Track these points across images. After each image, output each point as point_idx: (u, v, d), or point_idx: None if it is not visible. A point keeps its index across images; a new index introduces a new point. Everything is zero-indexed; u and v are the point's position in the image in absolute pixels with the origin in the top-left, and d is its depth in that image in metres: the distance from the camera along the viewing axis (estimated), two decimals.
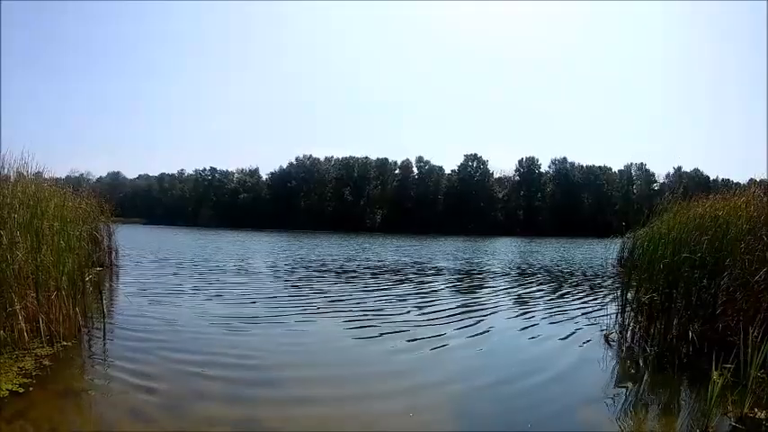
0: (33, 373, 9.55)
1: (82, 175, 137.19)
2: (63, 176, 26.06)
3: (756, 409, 8.01)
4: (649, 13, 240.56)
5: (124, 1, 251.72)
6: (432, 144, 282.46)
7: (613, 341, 13.73)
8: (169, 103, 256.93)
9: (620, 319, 14.30)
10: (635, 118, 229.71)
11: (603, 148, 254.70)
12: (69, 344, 11.64)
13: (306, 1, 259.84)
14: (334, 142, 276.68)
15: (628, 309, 14.21)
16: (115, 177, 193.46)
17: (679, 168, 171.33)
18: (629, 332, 13.78)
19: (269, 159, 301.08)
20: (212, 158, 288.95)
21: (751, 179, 16.75)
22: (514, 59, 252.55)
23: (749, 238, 11.57)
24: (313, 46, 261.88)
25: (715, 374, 7.66)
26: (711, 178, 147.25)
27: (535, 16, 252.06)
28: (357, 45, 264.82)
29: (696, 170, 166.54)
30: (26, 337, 10.89)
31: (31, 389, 8.83)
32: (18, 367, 9.75)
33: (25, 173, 15.10)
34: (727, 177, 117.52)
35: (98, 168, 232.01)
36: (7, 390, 8.66)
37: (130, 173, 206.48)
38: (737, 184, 23.16)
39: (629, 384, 10.67)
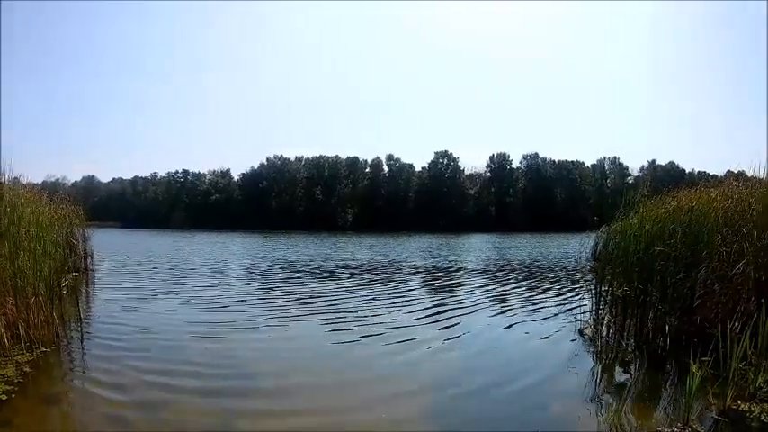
0: (15, 380, 9.48)
1: (57, 180, 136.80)
2: (39, 182, 25.81)
3: (740, 402, 7.99)
4: (620, 10, 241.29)
5: (93, 2, 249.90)
6: (402, 143, 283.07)
7: (589, 335, 13.71)
8: (142, 104, 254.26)
9: (594, 314, 14.45)
10: (610, 114, 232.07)
11: (577, 144, 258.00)
12: (48, 350, 11.52)
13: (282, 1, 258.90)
14: (305, 142, 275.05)
15: (602, 303, 14.36)
16: (90, 181, 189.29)
17: (653, 162, 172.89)
18: (604, 326, 13.83)
19: (243, 160, 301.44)
20: (186, 160, 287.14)
21: (728, 171, 16.76)
22: (485, 57, 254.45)
23: (726, 231, 11.56)
24: (283, 45, 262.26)
25: (694, 367, 7.62)
26: (687, 171, 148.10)
27: (507, 14, 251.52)
28: (328, 44, 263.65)
29: (671, 163, 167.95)
30: (7, 344, 10.79)
31: (13, 396, 8.77)
32: (0, 374, 9.67)
33: (2, 180, 14.99)
34: (703, 170, 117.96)
35: (74, 173, 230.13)
36: None
37: (105, 177, 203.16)
38: (714, 176, 23.16)
39: (606, 379, 10.71)
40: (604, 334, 13.58)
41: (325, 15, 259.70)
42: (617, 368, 11.40)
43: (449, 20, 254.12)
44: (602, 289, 14.61)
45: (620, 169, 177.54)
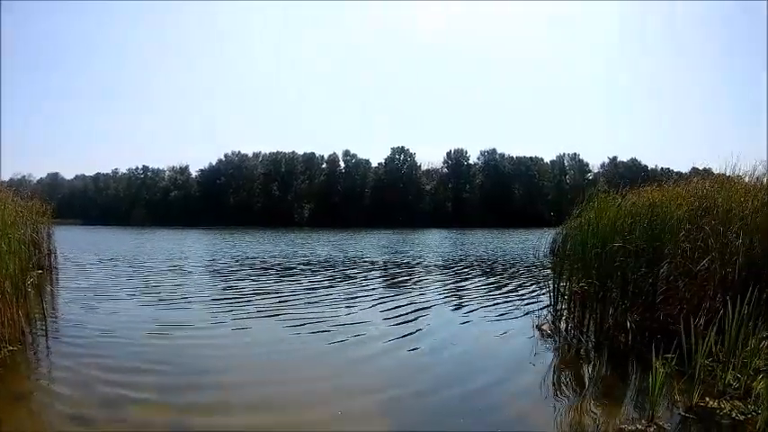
0: None
1: (24, 177, 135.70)
2: (6, 179, 25.51)
3: (708, 398, 7.90)
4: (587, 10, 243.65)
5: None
6: (359, 139, 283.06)
7: (547, 331, 13.59)
8: (105, 99, 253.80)
9: (552, 310, 14.37)
10: (572, 112, 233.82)
11: (537, 141, 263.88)
12: (15, 348, 11.42)
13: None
14: (265, 138, 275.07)
15: (560, 299, 14.29)
16: (54, 178, 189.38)
17: (614, 158, 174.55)
18: (562, 322, 13.74)
19: (205, 156, 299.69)
20: (148, 156, 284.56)
21: (693, 168, 16.77)
22: (444, 54, 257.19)
23: (690, 227, 11.53)
24: (235, 40, 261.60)
25: (657, 363, 7.55)
26: (650, 167, 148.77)
27: (469, 11, 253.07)
28: (280, 40, 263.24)
29: (633, 159, 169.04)
30: None
31: None
32: None
33: None
34: (667, 167, 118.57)
35: (40, 170, 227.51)
36: None
37: (69, 173, 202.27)
38: (679, 173, 23.19)
39: (566, 375, 10.63)
40: (563, 330, 13.46)
41: (279, 13, 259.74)
42: (577, 365, 11.32)
43: (409, 16, 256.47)
44: (561, 285, 14.45)
45: (581, 165, 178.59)
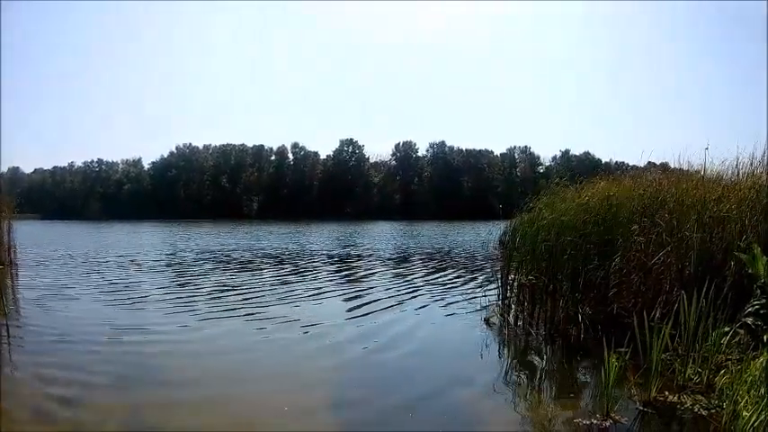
0: None
1: None
2: None
3: (667, 393, 7.82)
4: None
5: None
6: (307, 132, 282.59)
7: (495, 324, 13.46)
8: (66, 90, 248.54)
9: (501, 303, 14.19)
10: (523, 105, 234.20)
11: (488, 135, 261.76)
12: None
13: None
14: (217, 129, 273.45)
15: (509, 292, 14.16)
16: (15, 173, 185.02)
17: (567, 151, 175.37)
18: (511, 315, 13.55)
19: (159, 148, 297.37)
20: (101, 149, 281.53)
21: (650, 162, 16.71)
22: (393, 46, 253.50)
23: (644, 221, 11.44)
24: (195, 30, 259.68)
25: (613, 357, 7.40)
26: (604, 161, 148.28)
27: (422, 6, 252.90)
28: (239, 30, 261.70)
29: (586, 153, 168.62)
30: None
31: None
32: None
33: None
34: (622, 161, 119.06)
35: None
36: None
37: (28, 167, 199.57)
38: (635, 166, 23.02)
39: (518, 369, 10.48)
40: (512, 323, 13.26)
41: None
42: (528, 358, 11.18)
43: (359, 7, 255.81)
44: (510, 278, 14.28)
45: (531, 158, 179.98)
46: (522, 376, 9.95)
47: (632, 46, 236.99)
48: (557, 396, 8.85)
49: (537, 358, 11.05)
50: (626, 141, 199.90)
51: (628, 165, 56.83)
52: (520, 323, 13.05)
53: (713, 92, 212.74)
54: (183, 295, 18.76)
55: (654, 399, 7.72)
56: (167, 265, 29.02)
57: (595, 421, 7.17)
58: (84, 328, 13.48)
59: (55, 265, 28.42)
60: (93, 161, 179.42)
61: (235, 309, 15.87)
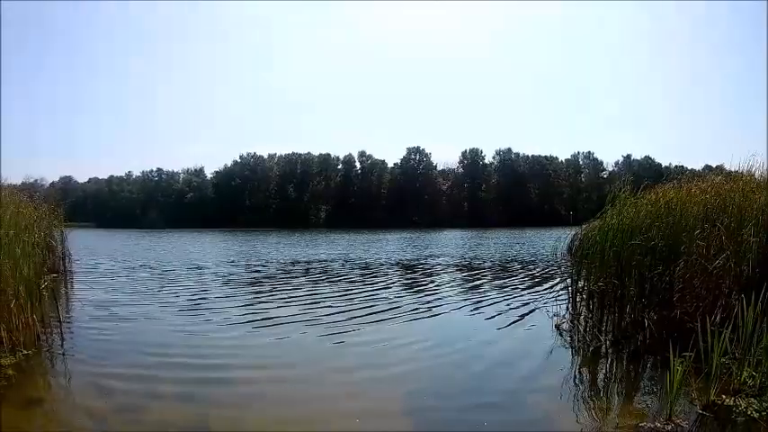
0: None
1: (36, 181, 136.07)
2: (19, 183, 25.31)
3: (724, 396, 7.93)
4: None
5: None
6: (375, 140, 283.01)
7: (566, 331, 13.75)
8: (118, 103, 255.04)
9: (571, 309, 14.44)
10: (585, 110, 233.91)
11: (550, 140, 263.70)
12: (30, 352, 11.43)
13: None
14: (279, 140, 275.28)
15: (579, 298, 14.39)
16: (67, 182, 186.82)
17: (629, 156, 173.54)
18: (581, 321, 13.84)
19: (218, 158, 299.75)
20: (161, 159, 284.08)
21: (706, 165, 16.80)
22: (455, 57, 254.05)
23: (706, 225, 11.54)
24: (253, 46, 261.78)
25: (676, 362, 7.60)
26: (664, 165, 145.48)
27: (475, 15, 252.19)
28: (295, 42, 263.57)
29: (647, 157, 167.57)
30: None
31: None
32: None
33: None
34: (680, 164, 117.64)
35: (51, 174, 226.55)
36: None
37: (82, 177, 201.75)
38: (692, 170, 23.10)
39: (585, 374, 10.78)
40: (582, 329, 13.53)
41: (299, 15, 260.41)
42: (596, 363, 11.43)
43: (418, 20, 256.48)
44: (579, 284, 14.54)
45: (595, 164, 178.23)
46: (589, 381, 10.29)
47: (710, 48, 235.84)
48: (623, 401, 9.11)
49: (604, 363, 11.35)
50: (682, 144, 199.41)
51: (686, 169, 56.16)
52: (589, 329, 13.23)
53: None
54: (248, 302, 19.22)
55: (712, 402, 7.82)
56: (234, 273, 29.51)
57: (658, 425, 7.34)
58: (140, 336, 13.87)
59: (113, 274, 28.99)
60: (152, 170, 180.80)
61: (297, 315, 16.22)
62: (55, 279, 20.96)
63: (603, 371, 10.95)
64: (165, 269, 31.72)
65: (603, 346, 12.23)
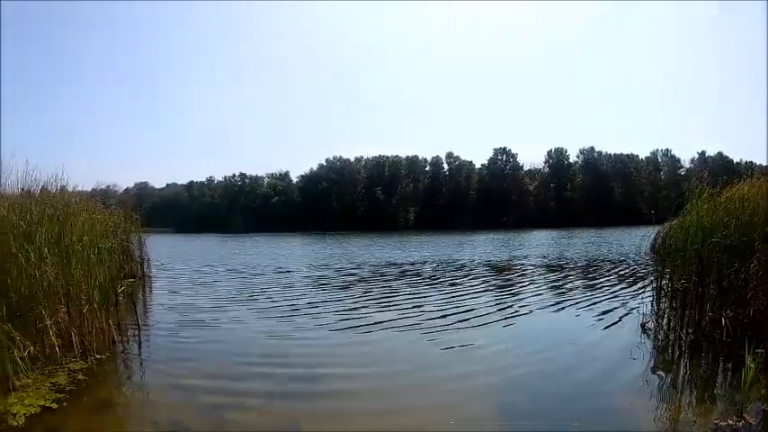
0: (67, 388, 9.50)
1: (108, 187, 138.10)
2: (89, 189, 25.50)
3: None
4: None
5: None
6: (459, 141, 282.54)
7: (650, 329, 13.71)
8: (188, 110, 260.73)
9: (655, 307, 14.36)
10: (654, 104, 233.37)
11: (629, 138, 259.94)
12: (104, 357, 11.55)
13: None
14: (358, 142, 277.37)
15: (662, 296, 14.24)
16: (143, 188, 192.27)
17: (703, 153, 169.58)
18: (664, 319, 13.69)
19: (295, 163, 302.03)
20: (234, 164, 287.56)
21: None
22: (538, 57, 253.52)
23: None
24: (324, 46, 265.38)
25: (748, 359, 7.53)
26: (735, 161, 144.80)
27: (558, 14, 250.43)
28: (371, 42, 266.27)
29: (720, 154, 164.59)
30: (58, 352, 10.74)
31: (65, 404, 8.79)
32: (51, 383, 9.69)
33: (53, 189, 15.15)
34: (750, 160, 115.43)
35: (124, 181, 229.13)
36: (39, 406, 8.59)
37: (157, 183, 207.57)
38: (760, 165, 22.72)
39: (666, 372, 10.68)
40: (664, 327, 13.42)
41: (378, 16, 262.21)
42: (675, 361, 11.46)
43: (496, 19, 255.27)
44: (663, 282, 14.43)
45: (673, 161, 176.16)
46: (667, 379, 10.25)
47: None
48: (697, 398, 9.17)
49: (683, 361, 11.34)
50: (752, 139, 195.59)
51: (755, 164, 54.98)
52: (672, 327, 13.17)
53: None
54: (339, 306, 19.27)
55: None
56: (324, 276, 29.39)
57: (731, 422, 7.32)
58: (225, 341, 13.92)
59: (193, 278, 28.94)
60: (234, 175, 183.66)
61: (389, 319, 16.32)
62: (132, 284, 21.29)
63: (682, 369, 10.92)
64: (251, 273, 31.49)
65: (684, 343, 12.13)
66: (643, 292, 18.75)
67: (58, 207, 13.48)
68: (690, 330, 12.45)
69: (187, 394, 9.53)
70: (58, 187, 15.78)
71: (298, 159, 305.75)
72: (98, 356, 11.46)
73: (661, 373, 10.62)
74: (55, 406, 8.67)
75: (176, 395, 9.49)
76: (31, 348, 10.05)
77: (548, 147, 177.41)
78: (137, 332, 13.64)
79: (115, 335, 12.82)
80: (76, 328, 11.47)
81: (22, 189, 14.23)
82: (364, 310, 18.09)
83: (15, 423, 7.99)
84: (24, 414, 8.30)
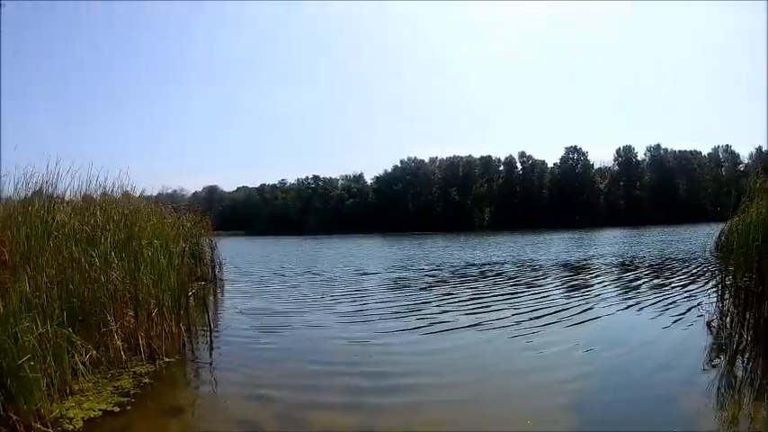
0: (132, 392, 9.51)
1: (175, 191, 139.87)
2: (154, 194, 25.74)
3: None
4: None
5: None
6: (527, 140, 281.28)
7: (715, 328, 13.81)
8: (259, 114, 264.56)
9: (719, 306, 14.35)
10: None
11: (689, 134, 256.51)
12: (173, 360, 11.62)
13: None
14: (432, 142, 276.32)
15: (726, 295, 14.20)
16: (212, 191, 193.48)
17: (759, 148, 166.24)
18: (728, 318, 13.71)
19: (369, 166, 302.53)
20: (299, 167, 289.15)
21: None
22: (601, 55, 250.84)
23: None
24: (392, 47, 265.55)
25: None
26: None
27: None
28: (439, 43, 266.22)
29: None
30: (123, 356, 10.83)
31: (128, 408, 8.80)
32: (114, 386, 9.71)
33: (114, 193, 15.30)
34: None
35: (191, 185, 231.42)
36: (100, 410, 8.61)
37: (226, 187, 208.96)
38: None
39: (727, 372, 10.82)
40: (728, 326, 13.51)
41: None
42: (737, 360, 11.57)
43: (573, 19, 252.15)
44: (726, 280, 14.35)
45: (733, 157, 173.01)
46: (729, 379, 10.39)
47: None
48: (757, 399, 9.23)
49: (743, 361, 11.49)
50: None
51: None
52: (735, 326, 13.23)
53: None
54: (417, 307, 19.31)
55: None
56: (413, 278, 28.98)
57: None
58: (300, 344, 13.99)
59: (267, 281, 28.99)
60: (307, 178, 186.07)
61: (466, 320, 16.41)
62: (204, 287, 21.38)
63: (742, 369, 11.03)
64: (328, 275, 31.19)
65: (746, 342, 12.28)
66: (710, 290, 18.62)
67: (125, 211, 13.60)
68: (751, 329, 12.48)
69: (260, 397, 9.53)
70: (122, 191, 15.92)
71: (370, 161, 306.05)
72: (167, 360, 11.53)
73: (721, 371, 10.88)
74: (117, 409, 8.70)
75: (249, 397, 9.56)
76: (94, 352, 10.07)
77: (615, 146, 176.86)
78: (208, 336, 13.66)
79: (185, 338, 12.91)
80: (144, 332, 11.52)
81: (85, 193, 14.37)
82: (438, 310, 18.15)
83: (71, 427, 8.04)
84: (82, 418, 8.34)
